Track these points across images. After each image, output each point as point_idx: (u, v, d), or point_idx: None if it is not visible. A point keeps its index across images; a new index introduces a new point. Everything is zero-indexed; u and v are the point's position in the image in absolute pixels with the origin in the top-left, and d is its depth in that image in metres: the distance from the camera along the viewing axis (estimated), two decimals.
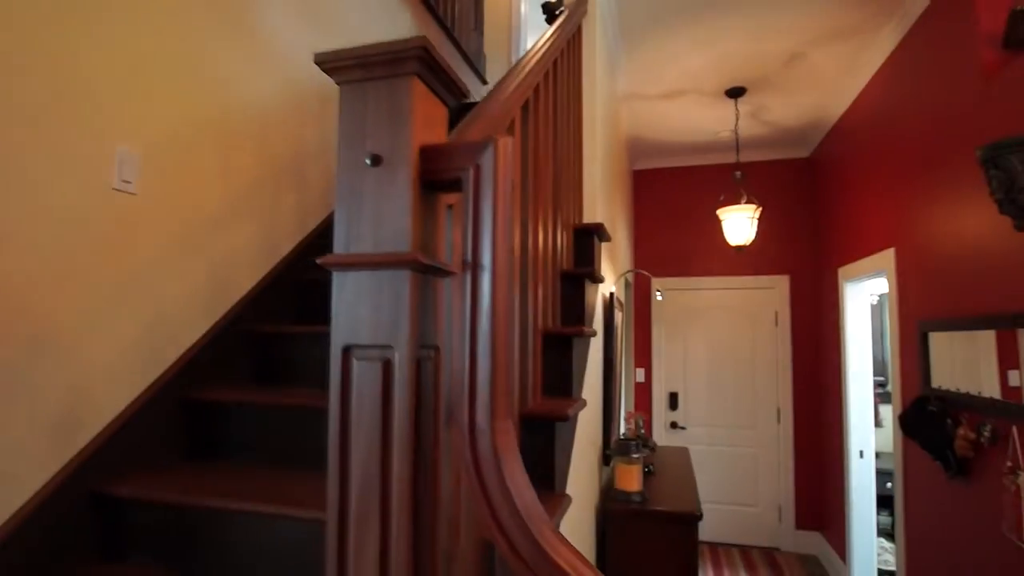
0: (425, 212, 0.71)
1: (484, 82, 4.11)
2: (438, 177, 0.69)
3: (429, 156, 0.69)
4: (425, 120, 0.71)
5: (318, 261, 0.70)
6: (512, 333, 0.70)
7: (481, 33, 4.07)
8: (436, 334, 0.73)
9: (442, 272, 0.73)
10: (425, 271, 0.69)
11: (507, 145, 0.67)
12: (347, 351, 0.68)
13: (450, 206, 0.81)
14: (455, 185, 0.70)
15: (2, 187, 1.17)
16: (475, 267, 0.67)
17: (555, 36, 1.71)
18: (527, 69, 1.39)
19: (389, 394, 0.67)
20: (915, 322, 2.63)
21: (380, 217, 0.68)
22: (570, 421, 1.54)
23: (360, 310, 0.68)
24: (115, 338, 1.40)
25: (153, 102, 1.52)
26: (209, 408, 1.56)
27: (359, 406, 0.68)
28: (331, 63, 0.70)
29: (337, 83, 0.72)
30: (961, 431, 2.15)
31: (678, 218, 4.84)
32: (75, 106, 1.32)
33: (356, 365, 0.68)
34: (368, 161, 0.69)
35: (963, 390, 2.19)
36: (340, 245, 0.70)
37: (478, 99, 3.39)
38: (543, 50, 1.57)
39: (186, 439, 1.56)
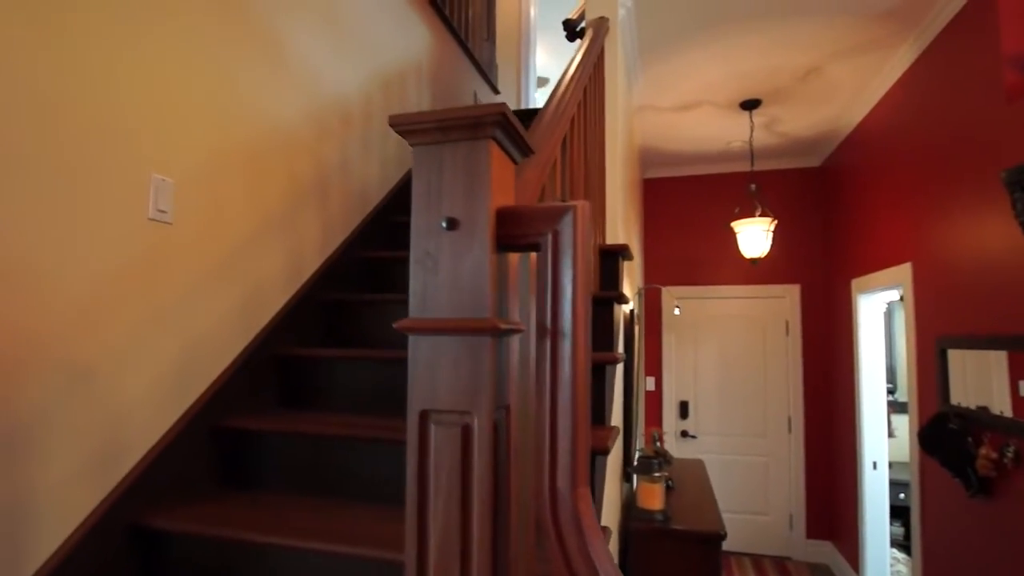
0: (500, 274, 0.71)
1: (496, 91, 4.11)
2: (515, 242, 0.69)
3: (505, 219, 0.69)
4: (499, 182, 0.71)
5: (395, 326, 0.70)
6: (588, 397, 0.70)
7: (493, 43, 4.07)
8: (508, 393, 0.73)
9: (515, 332, 0.73)
10: (502, 335, 0.69)
11: (585, 210, 0.67)
12: (424, 416, 0.68)
13: None
14: (532, 248, 0.70)
15: (37, 224, 1.17)
16: (555, 334, 0.67)
17: (584, 62, 1.71)
18: (565, 100, 1.40)
19: (468, 459, 0.67)
20: (933, 338, 2.63)
21: (457, 281, 0.68)
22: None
23: (437, 375, 0.68)
24: (149, 370, 1.40)
25: (185, 129, 1.52)
26: (240, 436, 1.56)
27: (437, 470, 0.68)
28: (407, 126, 0.70)
29: (411, 144, 0.72)
30: (983, 451, 2.15)
31: (688, 226, 4.84)
32: (108, 136, 1.31)
33: (434, 430, 0.68)
34: (444, 224, 0.69)
35: (984, 408, 2.19)
36: (416, 308, 0.70)
37: None
38: (576, 78, 1.57)
39: (218, 467, 1.56)
